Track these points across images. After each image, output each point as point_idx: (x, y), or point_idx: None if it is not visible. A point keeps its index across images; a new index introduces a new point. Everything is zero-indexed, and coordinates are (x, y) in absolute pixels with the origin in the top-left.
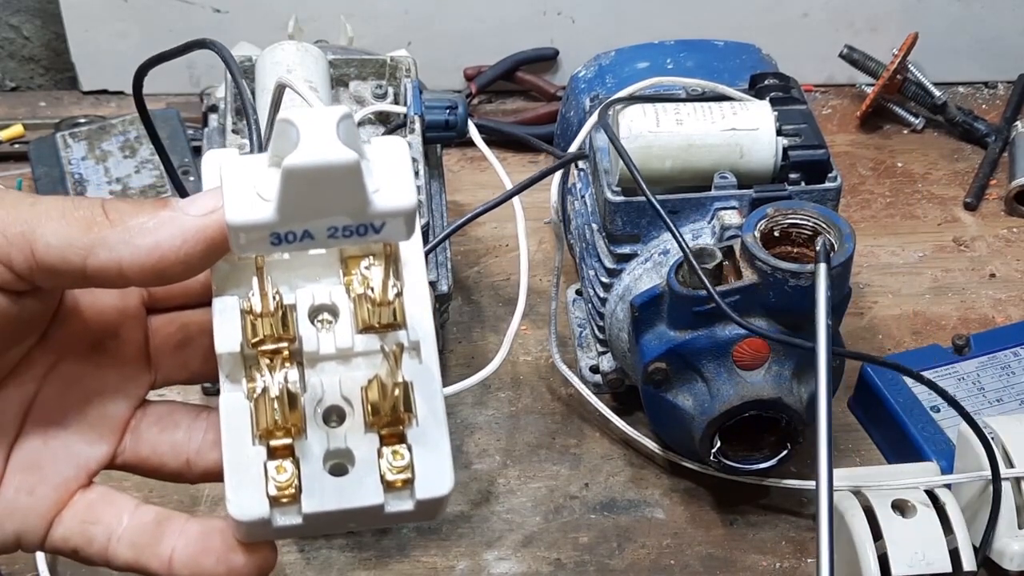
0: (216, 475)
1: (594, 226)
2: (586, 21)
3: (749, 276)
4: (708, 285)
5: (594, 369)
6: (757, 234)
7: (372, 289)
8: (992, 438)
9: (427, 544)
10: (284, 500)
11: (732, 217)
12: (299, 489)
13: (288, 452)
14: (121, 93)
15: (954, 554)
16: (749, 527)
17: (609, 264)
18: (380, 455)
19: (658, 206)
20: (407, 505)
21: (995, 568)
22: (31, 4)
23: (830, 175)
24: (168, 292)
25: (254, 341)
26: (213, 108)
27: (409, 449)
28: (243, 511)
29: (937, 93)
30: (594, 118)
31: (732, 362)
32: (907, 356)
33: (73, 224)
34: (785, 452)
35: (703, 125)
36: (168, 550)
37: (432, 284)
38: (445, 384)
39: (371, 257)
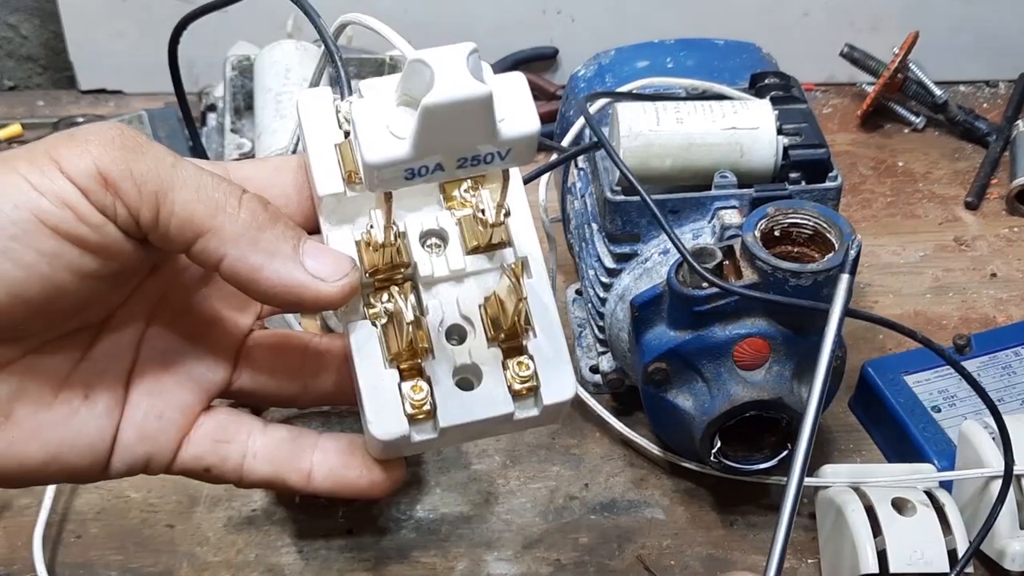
0: (331, 399)
1: (594, 226)
2: (586, 20)
3: (749, 276)
4: (713, 279)
5: (594, 369)
6: (757, 233)
7: (483, 212)
8: (993, 438)
9: (426, 545)
10: (420, 417)
11: (732, 216)
12: (434, 406)
13: (418, 372)
14: (119, 92)
15: (952, 555)
16: (749, 527)
17: (609, 264)
18: (505, 367)
19: (649, 201)
20: (533, 411)
21: (995, 568)
22: (29, 3)
23: (831, 174)
24: None
25: (371, 270)
26: (212, 107)
27: (531, 359)
28: (385, 431)
29: (938, 92)
30: (595, 108)
31: (732, 362)
32: (908, 356)
33: (202, 203)
34: (785, 452)
35: (703, 124)
36: (307, 464)
37: None
38: None
39: (470, 180)
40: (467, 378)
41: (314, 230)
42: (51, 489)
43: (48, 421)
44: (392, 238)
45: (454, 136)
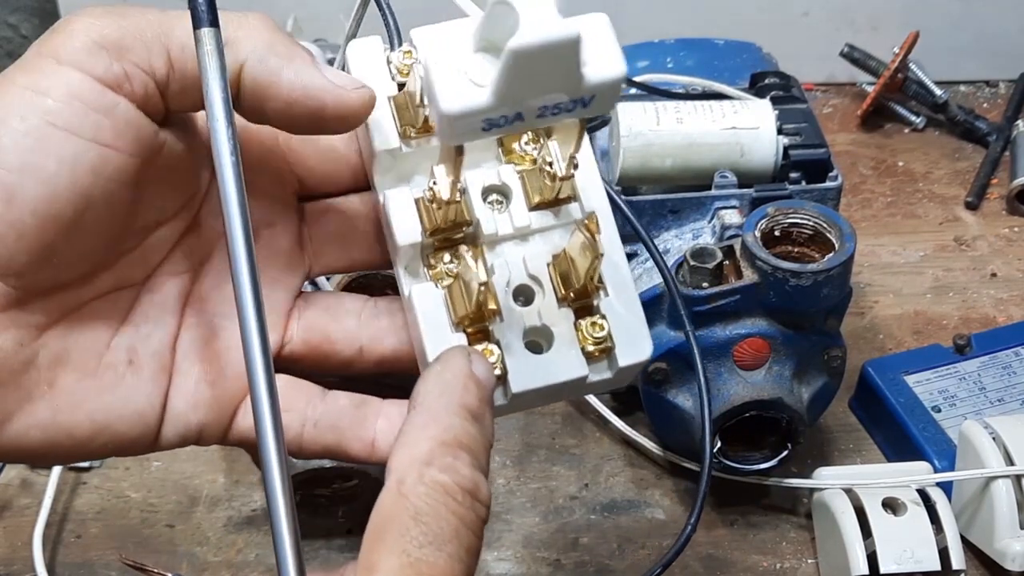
0: (391, 363)
1: None
2: None
3: (749, 276)
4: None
5: None
6: (758, 233)
7: (551, 165)
8: (993, 438)
9: None
10: None
11: (732, 216)
12: (505, 371)
13: (486, 336)
14: None
15: (943, 552)
16: (749, 527)
17: None
18: (577, 328)
19: (622, 204)
20: (607, 374)
21: (995, 568)
22: (29, 3)
23: (831, 174)
24: (319, 180)
25: (431, 230)
26: None
27: (604, 319)
28: None
29: (938, 92)
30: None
31: (732, 362)
32: (908, 356)
33: None
34: (786, 452)
35: (703, 124)
36: (371, 433)
37: None
38: None
39: (530, 133)
40: (537, 340)
41: (363, 186)
42: (51, 489)
43: (93, 388)
44: (457, 195)
45: (537, 82)
